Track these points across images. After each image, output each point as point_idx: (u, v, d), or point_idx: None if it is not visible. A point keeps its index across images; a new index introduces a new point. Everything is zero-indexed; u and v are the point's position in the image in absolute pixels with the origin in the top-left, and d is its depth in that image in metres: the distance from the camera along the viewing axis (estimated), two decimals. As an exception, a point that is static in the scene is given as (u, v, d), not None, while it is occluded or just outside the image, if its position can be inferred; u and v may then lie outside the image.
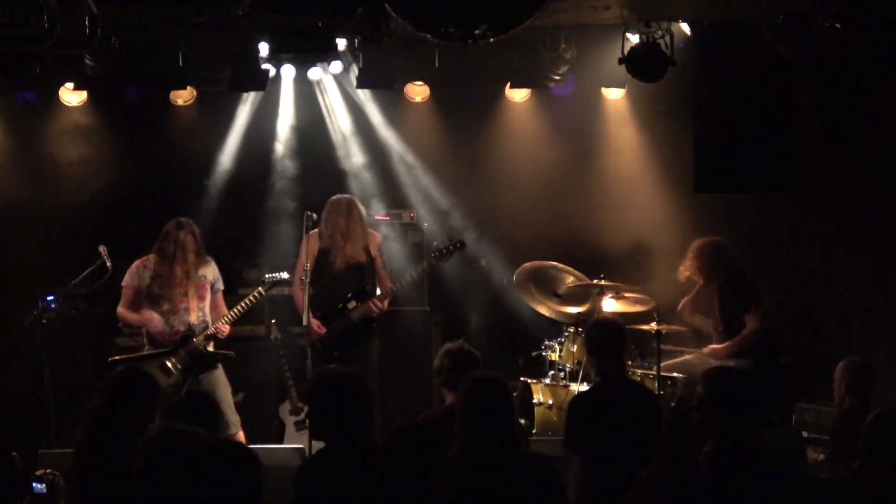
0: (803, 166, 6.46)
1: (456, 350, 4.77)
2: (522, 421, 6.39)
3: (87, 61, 6.54)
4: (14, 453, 3.47)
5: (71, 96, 7.50)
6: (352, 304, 6.84)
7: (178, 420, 3.72)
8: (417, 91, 8.08)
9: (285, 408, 7.05)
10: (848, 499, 3.59)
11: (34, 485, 4.13)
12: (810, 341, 7.17)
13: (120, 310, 6.05)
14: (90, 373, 5.62)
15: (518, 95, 8.13)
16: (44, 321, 5.83)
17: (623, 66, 6.04)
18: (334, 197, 6.98)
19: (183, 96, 7.67)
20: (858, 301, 7.09)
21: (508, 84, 7.95)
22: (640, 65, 6.01)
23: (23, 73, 5.98)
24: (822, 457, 5.31)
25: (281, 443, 6.90)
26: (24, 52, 5.60)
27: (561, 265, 7.49)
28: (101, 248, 6.03)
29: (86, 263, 6.10)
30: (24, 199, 7.36)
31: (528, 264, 7.50)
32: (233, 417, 6.20)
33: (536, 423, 6.67)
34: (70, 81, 7.20)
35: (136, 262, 6.10)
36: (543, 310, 7.32)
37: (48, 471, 4.31)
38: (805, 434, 5.94)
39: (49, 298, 5.87)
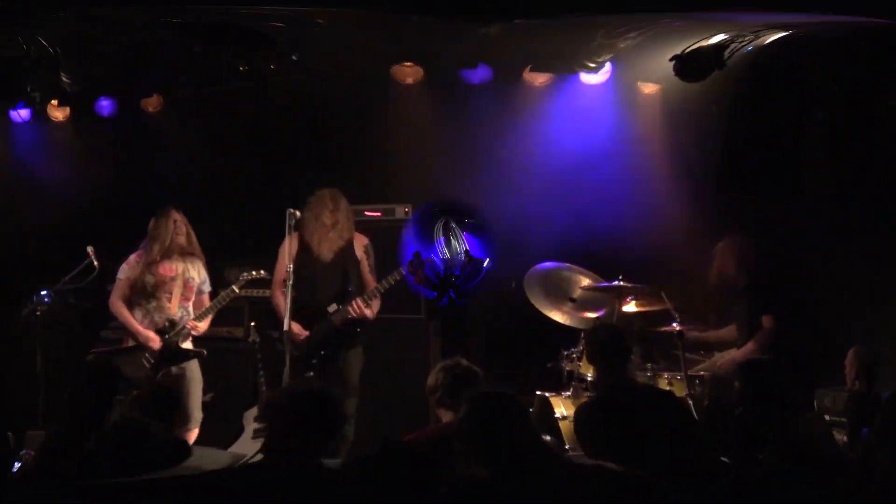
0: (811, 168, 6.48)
1: (452, 366, 4.42)
2: (548, 438, 5.96)
3: (64, 79, 6.48)
4: (9, 433, 3.78)
5: (56, 111, 7.72)
6: (332, 308, 6.42)
7: (140, 410, 4.03)
8: (408, 72, 7.30)
9: (251, 413, 6.63)
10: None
11: (16, 463, 4.35)
12: (823, 330, 6.87)
13: (115, 301, 6.25)
14: (77, 360, 6.29)
15: (538, 80, 7.31)
16: (38, 313, 6.33)
17: (672, 62, 5.91)
18: (318, 191, 6.54)
19: (152, 103, 7.68)
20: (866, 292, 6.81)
21: (528, 67, 7.12)
22: (692, 65, 5.92)
23: (15, 90, 6.26)
24: (845, 439, 5.35)
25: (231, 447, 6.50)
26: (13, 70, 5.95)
27: (575, 266, 7.12)
28: (89, 249, 6.37)
29: (75, 263, 6.52)
30: (21, 208, 7.83)
31: (539, 266, 7.08)
32: (195, 414, 6.26)
33: (566, 438, 6.09)
34: (55, 98, 7.33)
35: (132, 256, 6.30)
36: (557, 316, 6.92)
37: (28, 450, 4.61)
38: (827, 418, 5.81)
39: (42, 293, 6.37)
